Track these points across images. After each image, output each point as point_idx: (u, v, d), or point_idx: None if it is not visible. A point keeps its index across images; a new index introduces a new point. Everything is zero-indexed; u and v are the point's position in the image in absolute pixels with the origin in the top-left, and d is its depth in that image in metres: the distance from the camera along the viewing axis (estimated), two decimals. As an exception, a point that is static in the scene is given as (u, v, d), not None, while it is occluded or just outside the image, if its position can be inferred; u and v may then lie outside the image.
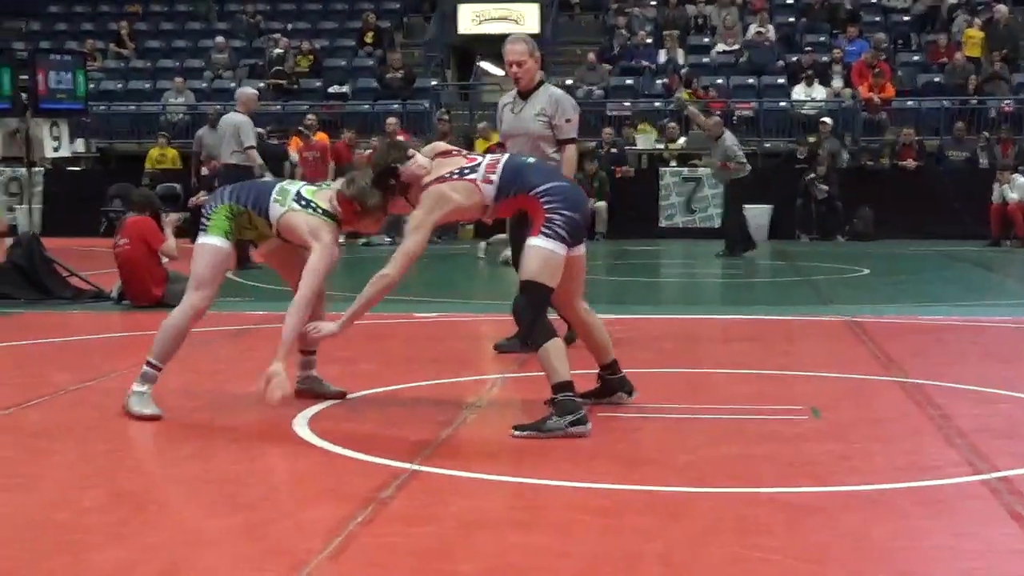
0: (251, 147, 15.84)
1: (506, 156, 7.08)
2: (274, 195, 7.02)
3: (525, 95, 9.15)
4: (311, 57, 27.61)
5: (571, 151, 9.12)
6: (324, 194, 7.04)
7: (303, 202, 6.96)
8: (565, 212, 6.65)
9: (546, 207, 6.63)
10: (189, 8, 31.69)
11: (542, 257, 6.57)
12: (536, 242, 6.60)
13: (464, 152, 7.20)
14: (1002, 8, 26.27)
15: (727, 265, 18.15)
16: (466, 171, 6.79)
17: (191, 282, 7.06)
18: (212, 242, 7.03)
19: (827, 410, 7.17)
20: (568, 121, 9.06)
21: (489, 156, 7.00)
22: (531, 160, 7.16)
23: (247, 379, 8.17)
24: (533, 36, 31.31)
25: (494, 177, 6.74)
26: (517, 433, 6.48)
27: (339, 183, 7.08)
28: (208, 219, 7.06)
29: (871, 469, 5.89)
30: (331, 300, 7.58)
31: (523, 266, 6.68)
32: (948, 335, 10.52)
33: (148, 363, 7.01)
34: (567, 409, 6.49)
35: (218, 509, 5.13)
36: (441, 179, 6.79)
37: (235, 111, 16.24)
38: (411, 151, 6.90)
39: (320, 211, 6.94)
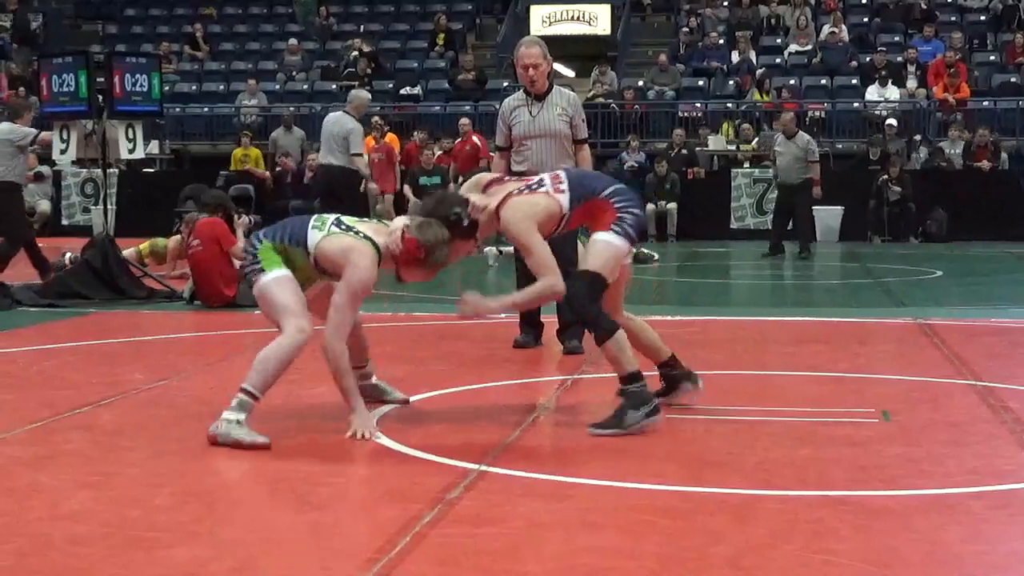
0: (359, 155, 15.47)
1: (564, 169, 7.13)
2: (312, 223, 6.68)
3: (540, 97, 9.38)
4: (374, 61, 27.70)
5: (587, 150, 9.48)
6: (370, 225, 6.69)
7: (343, 226, 6.62)
8: (635, 211, 6.71)
9: (617, 207, 6.68)
10: (288, 10, 31.80)
11: (610, 252, 6.61)
12: (606, 237, 6.63)
13: (511, 178, 7.12)
14: None
15: (798, 267, 18.06)
16: (533, 186, 6.76)
17: (278, 317, 6.57)
18: (275, 275, 6.60)
19: (898, 413, 7.12)
20: (583, 120, 9.45)
21: (548, 172, 6.97)
22: (586, 169, 7.17)
23: (317, 381, 8.22)
24: (605, 37, 31.41)
25: (563, 187, 6.71)
26: (597, 432, 6.47)
27: (399, 221, 6.65)
28: (257, 262, 6.65)
29: (942, 473, 5.84)
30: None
31: (590, 258, 6.66)
32: (1022, 338, 10.41)
33: (246, 392, 6.44)
34: (641, 399, 6.54)
35: (289, 508, 5.17)
36: (510, 195, 6.70)
37: (346, 112, 15.54)
38: (463, 196, 6.71)
39: (361, 235, 6.56)
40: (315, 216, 6.78)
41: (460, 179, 14.68)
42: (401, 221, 6.60)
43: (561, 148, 9.32)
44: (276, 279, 6.58)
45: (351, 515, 5.06)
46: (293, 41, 29.20)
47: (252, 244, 6.77)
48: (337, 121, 15.48)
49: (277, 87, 27.93)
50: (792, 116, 19.99)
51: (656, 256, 17.22)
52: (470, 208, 6.52)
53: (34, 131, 14.13)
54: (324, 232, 6.58)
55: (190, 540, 4.71)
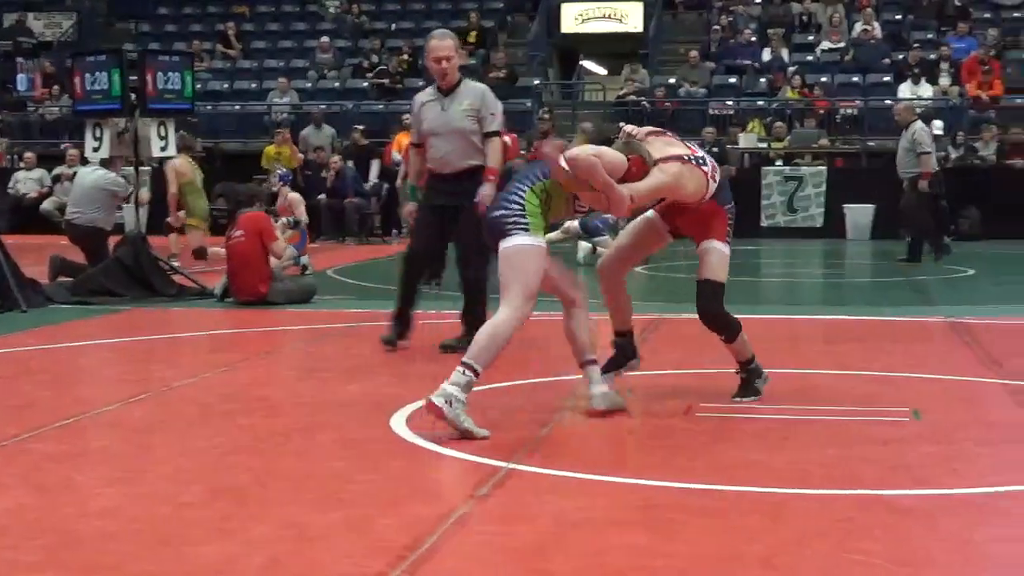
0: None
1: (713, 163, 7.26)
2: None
3: (448, 92, 9.27)
4: (408, 59, 27.68)
5: (497, 143, 9.34)
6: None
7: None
8: (732, 223, 7.23)
9: (729, 217, 7.22)
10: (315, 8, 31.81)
11: (727, 260, 7.20)
12: (723, 248, 7.18)
13: (670, 134, 7.30)
14: None
15: (829, 265, 17.98)
16: (700, 160, 7.05)
17: (518, 288, 6.54)
18: (535, 243, 6.62)
19: (930, 412, 7.08)
20: (493, 115, 9.31)
21: (708, 156, 7.23)
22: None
23: (349, 377, 8.25)
24: (637, 34, 31.19)
25: (718, 176, 7.07)
26: (742, 399, 7.33)
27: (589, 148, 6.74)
28: (523, 215, 6.64)
29: (974, 472, 5.81)
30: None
31: (715, 268, 7.15)
32: (1056, 337, 10.35)
33: (470, 367, 6.40)
34: (759, 373, 7.44)
35: (319, 505, 5.18)
36: (679, 158, 6.93)
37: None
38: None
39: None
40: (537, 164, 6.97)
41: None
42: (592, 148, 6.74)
43: (468, 144, 9.21)
44: (536, 248, 6.63)
45: (381, 512, 5.05)
46: (325, 39, 29.24)
47: (517, 193, 6.74)
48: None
49: (308, 85, 27.98)
50: (906, 105, 18.82)
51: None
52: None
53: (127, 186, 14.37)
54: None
55: (220, 537, 4.72)
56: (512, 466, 5.78)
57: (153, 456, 6.19)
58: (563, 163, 6.63)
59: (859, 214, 22.30)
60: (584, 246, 16.84)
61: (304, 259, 15.60)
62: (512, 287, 6.57)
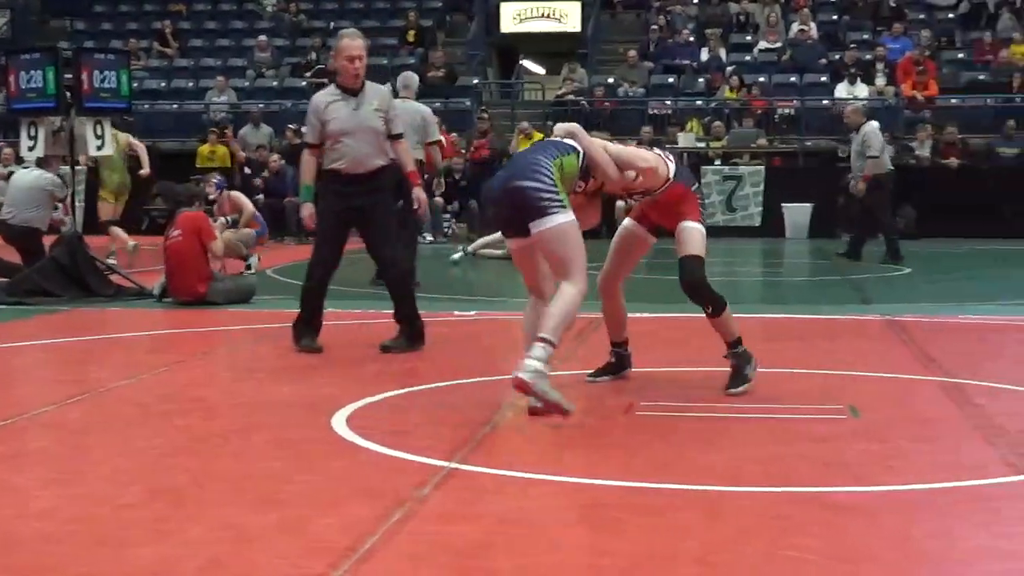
0: (436, 142, 13.70)
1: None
2: (558, 140, 7.21)
3: (356, 92, 9.24)
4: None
5: (405, 144, 9.52)
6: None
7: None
8: (703, 204, 7.72)
9: (699, 198, 7.69)
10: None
11: (704, 237, 7.59)
12: (699, 225, 7.55)
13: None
14: None
15: (767, 264, 18.09)
16: (668, 156, 7.65)
17: (577, 264, 6.78)
18: (574, 219, 6.85)
19: (866, 410, 7.14)
20: (396, 116, 9.41)
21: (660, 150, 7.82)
22: None
23: (287, 378, 8.22)
24: (575, 34, 31.30)
25: (671, 161, 7.60)
26: (735, 391, 7.48)
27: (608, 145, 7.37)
28: (556, 191, 6.80)
29: (910, 469, 5.87)
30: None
31: (694, 243, 7.51)
32: (990, 335, 10.46)
33: (547, 340, 6.60)
34: (748, 357, 7.65)
35: (258, 506, 5.15)
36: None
37: (406, 98, 13.33)
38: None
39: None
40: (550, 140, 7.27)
41: (426, 177, 14.14)
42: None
43: (378, 143, 9.22)
44: (571, 225, 6.83)
45: (320, 513, 5.04)
46: (263, 38, 29.12)
47: (543, 165, 6.89)
48: (413, 108, 13.14)
49: (246, 84, 27.86)
50: (855, 107, 18.81)
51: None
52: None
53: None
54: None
55: (158, 538, 4.70)
56: (454, 465, 5.78)
57: (91, 457, 6.15)
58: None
59: (797, 213, 22.47)
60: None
61: (253, 259, 15.50)
62: (569, 264, 6.80)
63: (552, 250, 6.83)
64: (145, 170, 17.33)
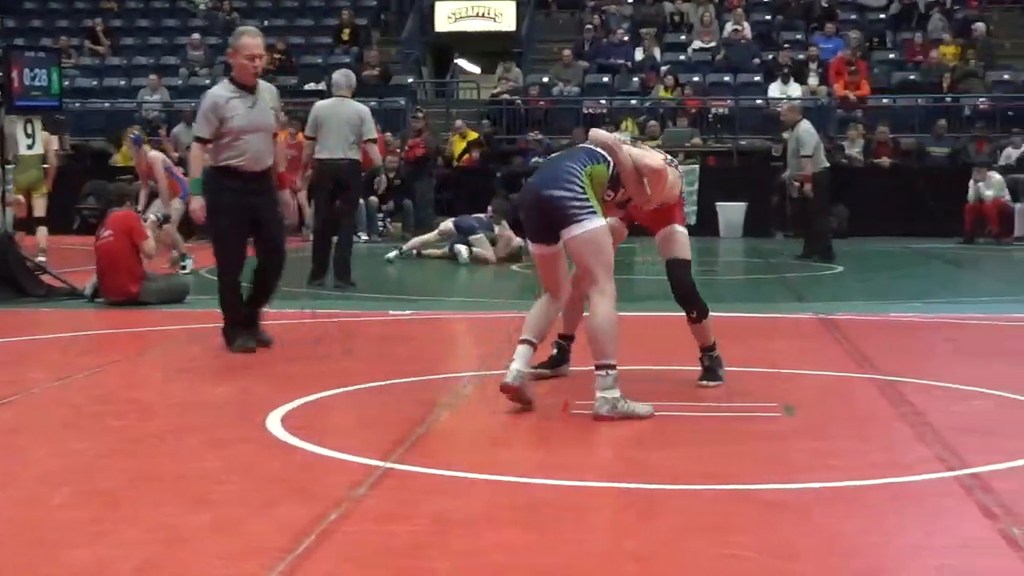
0: (374, 140, 13.56)
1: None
2: (589, 148, 7.25)
3: (252, 90, 9.22)
4: (282, 56, 27.49)
5: (281, 142, 9.73)
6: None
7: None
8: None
9: (683, 205, 8.09)
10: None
11: (688, 240, 7.92)
12: (684, 230, 7.89)
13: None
14: (980, 26, 26.26)
15: (702, 263, 18.11)
16: (673, 163, 7.74)
17: (602, 270, 6.91)
18: (605, 225, 7.01)
19: (801, 408, 7.19)
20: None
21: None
22: None
23: (221, 378, 8.18)
24: (510, 33, 31.26)
25: (675, 165, 7.77)
26: (707, 384, 7.79)
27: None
28: (587, 198, 6.89)
29: (844, 466, 5.90)
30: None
31: (681, 247, 7.86)
32: (922, 332, 10.56)
33: (607, 366, 6.78)
34: (720, 361, 7.97)
35: (192, 507, 5.12)
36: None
37: (342, 96, 13.29)
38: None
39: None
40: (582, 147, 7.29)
41: (364, 175, 14.07)
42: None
43: (271, 140, 9.28)
44: (605, 228, 6.99)
45: (254, 513, 5.02)
46: (195, 36, 28.92)
47: (574, 174, 6.95)
48: (351, 106, 13.20)
49: (179, 82, 27.66)
50: (791, 105, 18.88)
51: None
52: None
53: None
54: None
55: (92, 540, 4.66)
56: (389, 465, 5.77)
57: (24, 458, 6.08)
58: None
59: (731, 212, 22.55)
60: (463, 249, 16.89)
61: (188, 261, 15.38)
62: (596, 270, 6.92)
63: (582, 255, 6.96)
64: (49, 165, 16.99)
